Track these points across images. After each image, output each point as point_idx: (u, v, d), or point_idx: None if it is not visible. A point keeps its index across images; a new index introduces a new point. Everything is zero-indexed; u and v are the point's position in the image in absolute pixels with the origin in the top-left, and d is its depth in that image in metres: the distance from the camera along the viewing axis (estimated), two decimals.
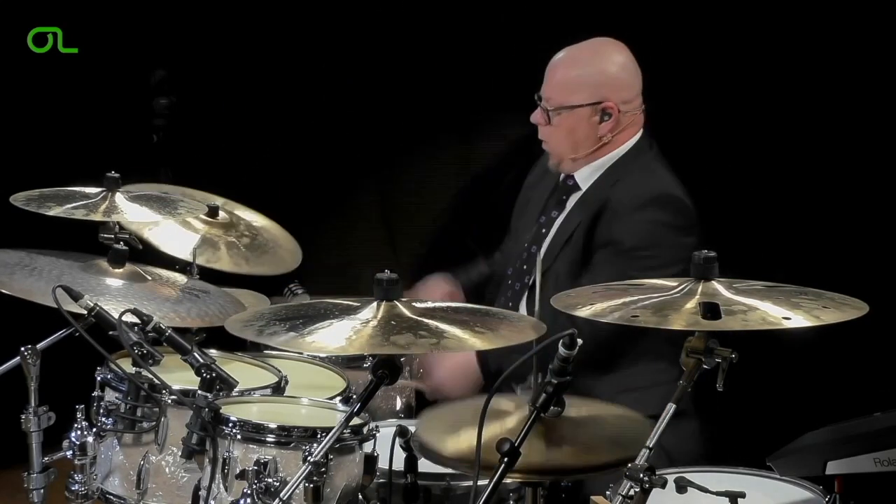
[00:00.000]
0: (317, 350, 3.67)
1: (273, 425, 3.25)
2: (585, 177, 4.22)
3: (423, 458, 3.31)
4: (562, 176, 4.29)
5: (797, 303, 2.95)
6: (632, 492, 2.82)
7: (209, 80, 6.06)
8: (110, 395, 3.52)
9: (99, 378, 3.55)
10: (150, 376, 3.36)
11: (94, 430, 3.50)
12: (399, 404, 4.14)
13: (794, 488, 3.30)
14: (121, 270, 3.69)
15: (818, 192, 4.95)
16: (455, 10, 5.63)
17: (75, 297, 3.38)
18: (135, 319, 3.37)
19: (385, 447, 3.33)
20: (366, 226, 5.97)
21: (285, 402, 3.54)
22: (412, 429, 3.32)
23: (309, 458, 3.08)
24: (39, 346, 3.47)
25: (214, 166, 5.93)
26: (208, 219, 4.31)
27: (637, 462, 2.82)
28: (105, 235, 3.75)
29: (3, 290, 3.55)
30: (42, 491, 3.52)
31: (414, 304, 3.13)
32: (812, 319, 2.89)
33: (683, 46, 5.08)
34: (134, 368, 3.41)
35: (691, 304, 2.94)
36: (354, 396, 3.58)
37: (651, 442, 2.85)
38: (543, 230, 4.26)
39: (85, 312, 3.39)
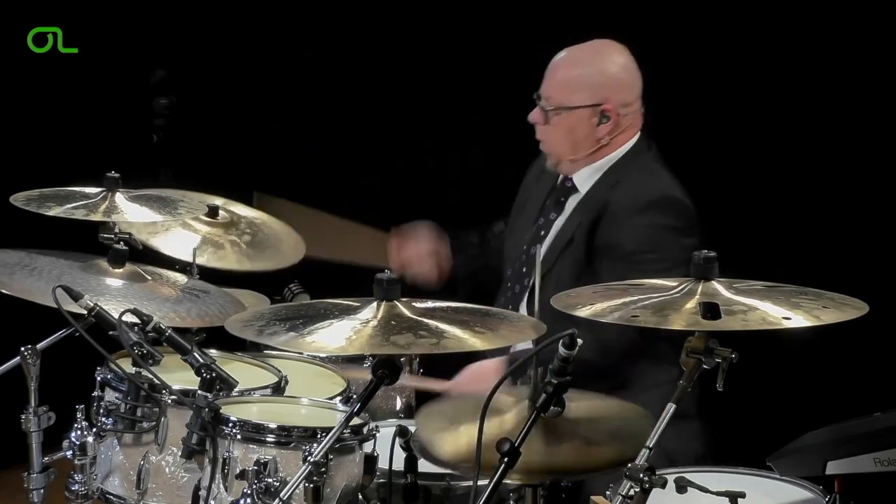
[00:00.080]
0: (317, 350, 3.67)
1: (273, 425, 3.25)
2: (584, 179, 4.21)
3: (422, 459, 3.31)
4: (560, 177, 4.28)
5: (797, 303, 2.95)
6: (632, 492, 2.82)
7: (209, 80, 6.06)
8: (110, 395, 3.52)
9: (99, 378, 3.55)
10: (150, 376, 3.36)
11: (94, 430, 3.49)
12: (399, 404, 4.14)
13: (794, 488, 3.30)
14: (121, 270, 3.69)
15: (818, 193, 4.95)
16: (455, 10, 5.63)
17: (75, 297, 3.38)
18: (135, 319, 3.37)
19: (385, 447, 3.33)
20: (366, 226, 5.96)
21: (285, 402, 3.54)
22: (412, 429, 3.32)
23: (309, 458, 3.08)
24: (39, 346, 3.47)
25: (214, 166, 5.93)
26: (209, 219, 4.32)
27: (637, 462, 2.82)
28: (105, 235, 3.75)
29: (3, 290, 3.55)
30: (42, 491, 3.52)
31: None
32: (812, 319, 2.89)
33: (683, 47, 5.08)
34: (134, 368, 3.41)
35: (691, 304, 2.94)
36: (354, 396, 3.58)
37: (651, 442, 2.85)
38: (542, 232, 4.25)
39: (85, 312, 3.39)
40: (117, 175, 3.86)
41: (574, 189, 4.23)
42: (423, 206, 4.94)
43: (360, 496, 3.30)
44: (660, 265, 3.91)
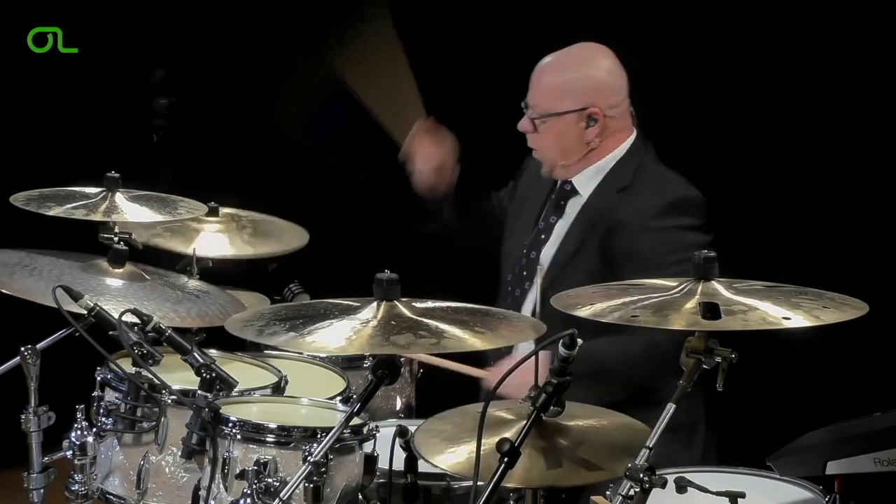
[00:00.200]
0: (317, 350, 3.67)
1: (273, 425, 3.25)
2: (584, 182, 4.20)
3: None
4: (559, 180, 4.27)
5: (797, 303, 2.95)
6: (632, 492, 2.82)
7: (209, 80, 6.06)
8: (110, 395, 3.52)
9: (99, 378, 3.55)
10: (150, 376, 3.36)
11: (94, 430, 3.50)
12: (399, 404, 4.14)
13: (794, 488, 3.30)
14: (121, 270, 3.69)
15: (818, 192, 4.94)
16: (455, 10, 5.63)
17: (75, 297, 3.38)
18: (135, 319, 3.37)
19: (385, 447, 3.33)
20: (366, 225, 5.96)
21: (285, 402, 3.54)
22: (412, 429, 3.32)
23: (309, 458, 3.08)
24: (39, 346, 3.47)
25: (215, 166, 5.93)
26: (209, 218, 4.35)
27: (637, 462, 2.82)
28: (105, 235, 3.76)
29: (3, 290, 3.55)
30: (42, 491, 3.52)
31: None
32: (812, 319, 2.89)
33: (681, 47, 5.07)
34: (134, 368, 3.41)
35: (691, 304, 2.94)
36: (354, 396, 3.58)
37: (651, 442, 2.86)
38: (542, 235, 4.24)
39: (85, 312, 3.39)
40: (117, 175, 3.86)
41: (574, 192, 4.22)
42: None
43: (360, 496, 3.30)
44: (685, 265, 3.88)
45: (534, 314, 3.58)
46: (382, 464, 3.34)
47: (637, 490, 2.80)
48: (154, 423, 3.42)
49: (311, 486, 3.13)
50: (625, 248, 4.03)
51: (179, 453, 3.31)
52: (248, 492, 3.18)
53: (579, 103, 4.12)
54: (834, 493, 3.16)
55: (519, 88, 4.27)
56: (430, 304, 3.19)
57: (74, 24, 5.75)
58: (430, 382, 4.21)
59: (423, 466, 3.33)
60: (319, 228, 4.58)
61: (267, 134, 6.04)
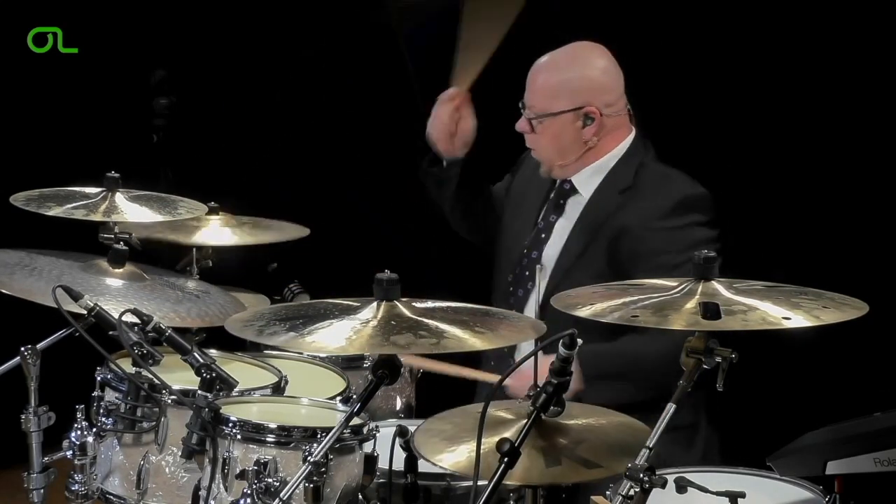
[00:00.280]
0: (317, 350, 3.68)
1: (273, 425, 3.25)
2: (583, 181, 4.19)
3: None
4: (558, 179, 4.27)
5: (797, 303, 2.95)
6: (632, 492, 2.82)
7: (209, 80, 6.06)
8: (110, 395, 3.52)
9: (99, 378, 3.55)
10: (150, 376, 3.36)
11: (94, 430, 3.49)
12: (399, 404, 4.14)
13: (794, 488, 3.30)
14: (121, 270, 3.69)
15: (818, 192, 4.94)
16: (455, 10, 5.62)
17: (75, 297, 3.38)
18: (135, 319, 3.37)
19: (385, 447, 3.33)
20: (366, 225, 5.96)
21: (285, 402, 3.54)
22: (412, 429, 3.32)
23: (309, 458, 3.08)
24: (39, 346, 3.47)
25: (215, 166, 5.93)
26: (210, 217, 4.37)
27: (637, 462, 2.82)
28: (105, 235, 3.76)
29: (3, 290, 3.55)
30: (42, 491, 3.52)
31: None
32: (812, 319, 2.88)
33: (680, 46, 5.07)
34: (134, 368, 3.41)
35: (691, 304, 2.94)
36: (354, 396, 3.58)
37: (651, 442, 2.85)
38: (543, 235, 4.23)
39: (85, 312, 3.39)
40: (117, 175, 3.87)
41: (574, 191, 4.22)
42: (424, 205, 4.92)
43: (360, 496, 3.30)
44: None
45: (541, 314, 3.58)
46: (382, 464, 3.34)
47: (637, 490, 2.80)
48: (154, 423, 3.42)
49: (311, 486, 3.13)
50: (634, 250, 4.02)
51: (179, 453, 3.30)
52: (248, 492, 3.17)
53: (575, 102, 4.12)
54: (834, 493, 3.15)
55: (518, 88, 4.27)
56: (430, 304, 3.19)
57: (74, 24, 5.75)
58: (430, 382, 4.21)
59: (423, 466, 3.33)
60: (319, 228, 4.59)
61: (267, 134, 6.05)
